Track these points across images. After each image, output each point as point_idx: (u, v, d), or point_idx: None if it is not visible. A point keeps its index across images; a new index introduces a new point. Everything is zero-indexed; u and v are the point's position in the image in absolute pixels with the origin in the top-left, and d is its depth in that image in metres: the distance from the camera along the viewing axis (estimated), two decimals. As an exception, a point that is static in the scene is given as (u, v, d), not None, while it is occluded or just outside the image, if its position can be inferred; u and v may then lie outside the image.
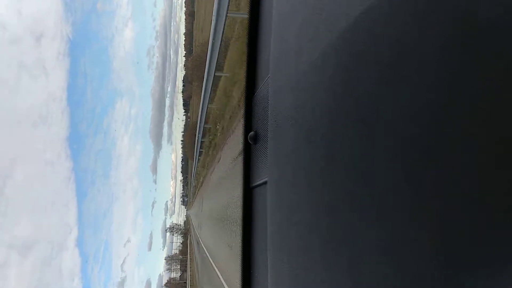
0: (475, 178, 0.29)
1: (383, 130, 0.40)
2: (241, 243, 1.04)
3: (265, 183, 0.88)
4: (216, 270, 8.46)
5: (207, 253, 12.20)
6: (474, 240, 0.29)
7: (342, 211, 0.48)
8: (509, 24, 0.27)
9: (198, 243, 19.24)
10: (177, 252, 70.43)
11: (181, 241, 73.55)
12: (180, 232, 71.89)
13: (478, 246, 0.29)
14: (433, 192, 0.33)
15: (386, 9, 0.39)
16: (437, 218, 0.33)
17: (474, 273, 0.30)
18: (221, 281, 7.30)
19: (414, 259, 0.35)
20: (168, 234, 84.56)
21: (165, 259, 75.45)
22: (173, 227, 78.13)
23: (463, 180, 0.30)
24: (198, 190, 25.26)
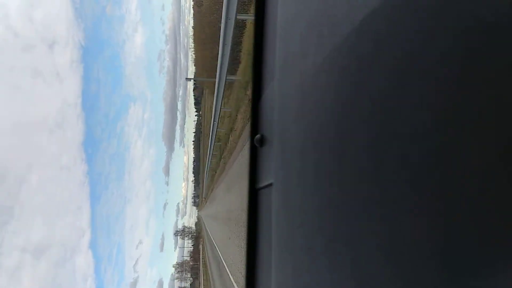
0: (478, 178, 0.30)
1: (389, 132, 0.40)
2: (246, 244, 1.05)
3: (270, 185, 0.89)
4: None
5: None
6: (476, 240, 0.30)
7: (347, 212, 0.49)
8: None
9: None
10: (188, 259, 64.18)
11: (192, 244, 67.87)
12: (190, 235, 66.97)
13: (481, 247, 0.29)
14: (437, 193, 0.33)
15: (390, 12, 0.40)
16: (441, 219, 0.33)
17: (477, 273, 0.30)
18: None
19: (417, 260, 0.35)
20: (178, 238, 78.08)
21: (173, 267, 69.34)
22: (182, 230, 72.56)
23: (466, 180, 0.31)
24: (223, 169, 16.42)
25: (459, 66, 0.32)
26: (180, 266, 64.21)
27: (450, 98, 0.32)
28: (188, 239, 68.74)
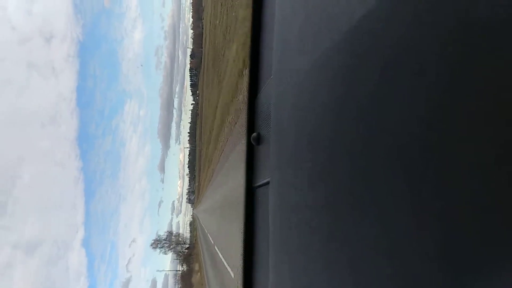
0: (476, 177, 0.29)
1: (385, 131, 0.40)
2: (242, 242, 1.04)
3: (267, 183, 0.88)
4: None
5: None
6: (475, 240, 0.29)
7: (343, 211, 0.48)
8: (509, 24, 0.27)
9: None
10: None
11: (180, 260, 42.69)
12: (178, 250, 44.18)
13: (479, 246, 0.29)
14: (433, 192, 0.33)
15: (387, 10, 0.40)
16: (437, 218, 0.33)
17: (475, 272, 0.29)
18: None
19: (414, 258, 0.35)
20: (158, 251, 47.21)
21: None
22: (165, 239, 46.71)
23: (464, 179, 0.31)
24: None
25: (455, 64, 0.32)
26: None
27: (446, 95, 0.32)
28: (174, 253, 45.46)
